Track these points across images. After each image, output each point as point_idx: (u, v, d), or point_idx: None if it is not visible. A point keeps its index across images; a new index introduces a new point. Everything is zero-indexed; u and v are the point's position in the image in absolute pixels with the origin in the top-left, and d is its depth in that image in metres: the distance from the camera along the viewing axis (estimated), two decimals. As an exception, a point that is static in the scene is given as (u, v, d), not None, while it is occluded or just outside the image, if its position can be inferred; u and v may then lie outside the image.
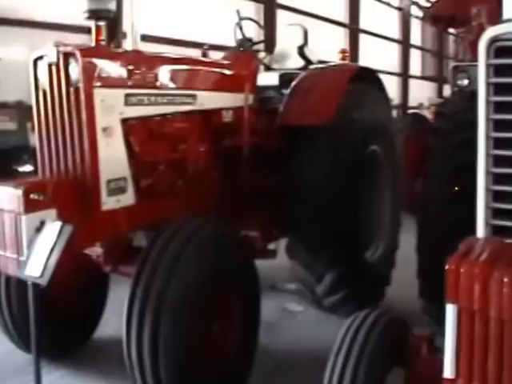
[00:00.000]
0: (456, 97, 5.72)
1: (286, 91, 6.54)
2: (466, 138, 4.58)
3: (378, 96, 7.12)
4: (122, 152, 4.96)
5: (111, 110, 4.82)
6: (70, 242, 4.17)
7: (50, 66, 4.68)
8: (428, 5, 24.30)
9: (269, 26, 17.20)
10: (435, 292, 4.02)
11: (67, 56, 4.60)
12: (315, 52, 7.80)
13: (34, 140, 5.12)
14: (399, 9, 30.80)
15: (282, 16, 19.41)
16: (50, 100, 4.75)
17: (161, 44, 13.49)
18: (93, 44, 5.04)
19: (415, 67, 31.01)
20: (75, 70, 4.57)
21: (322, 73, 6.94)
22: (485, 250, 2.63)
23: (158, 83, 5.34)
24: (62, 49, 4.62)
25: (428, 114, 18.22)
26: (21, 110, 10.03)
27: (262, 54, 7.52)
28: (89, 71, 4.61)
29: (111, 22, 5.20)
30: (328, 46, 14.45)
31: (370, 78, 7.11)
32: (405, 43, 31.20)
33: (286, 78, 6.95)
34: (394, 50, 30.47)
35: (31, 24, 12.22)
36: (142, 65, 5.17)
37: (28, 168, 9.37)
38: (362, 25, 26.49)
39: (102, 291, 5.94)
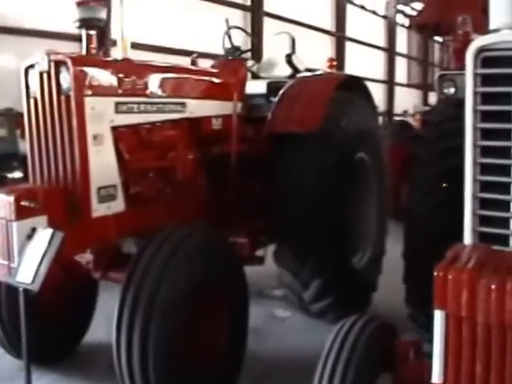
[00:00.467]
0: (442, 105, 5.75)
1: (274, 99, 6.58)
2: (452, 145, 4.63)
3: (364, 104, 7.17)
4: (112, 159, 4.99)
5: (101, 117, 4.86)
6: (61, 249, 4.20)
7: (41, 74, 4.72)
8: (413, 13, 24.47)
9: (256, 34, 17.26)
10: (421, 298, 4.08)
11: (58, 64, 4.64)
12: (303, 60, 7.85)
13: (23, 147, 5.14)
14: (385, 17, 31.00)
15: (268, 24, 19.48)
16: (41, 108, 4.79)
17: (150, 52, 13.54)
18: (84, 52, 5.07)
19: (401, 75, 31.20)
20: (66, 79, 4.61)
21: (310, 81, 7.01)
22: (472, 256, 2.67)
23: (147, 91, 5.38)
24: (53, 57, 4.66)
25: (413, 121, 18.26)
26: (10, 117, 10.04)
27: (250, 63, 7.55)
28: (80, 79, 4.64)
29: (100, 30, 5.23)
30: (314, 54, 14.54)
31: (356, 86, 7.17)
32: (390, 51, 31.40)
33: (273, 86, 6.99)
34: (380, 57, 30.63)
35: (20, 32, 12.22)
36: (132, 73, 5.21)
37: (17, 175, 9.36)
38: (349, 33, 26.65)
39: (91, 297, 5.95)
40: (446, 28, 16.24)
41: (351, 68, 22.25)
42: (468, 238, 3.08)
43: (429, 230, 4.88)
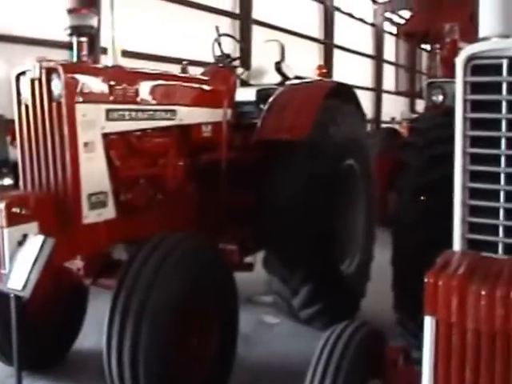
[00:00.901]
0: (430, 112, 5.78)
1: (264, 107, 6.60)
2: (440, 153, 4.66)
3: (353, 111, 7.21)
4: (103, 166, 5.01)
5: (93, 125, 4.88)
6: (51, 255, 4.21)
7: (32, 81, 4.73)
8: (401, 21, 24.56)
9: (245, 42, 17.29)
10: (410, 304, 4.11)
11: (50, 71, 4.66)
12: (292, 68, 7.88)
13: (13, 153, 5.14)
14: (373, 25, 31.08)
15: (257, 32, 19.51)
16: (32, 115, 4.80)
17: (141, 60, 13.53)
18: (75, 60, 5.08)
19: (389, 82, 31.25)
20: (57, 86, 4.62)
21: (299, 89, 7.03)
22: (462, 263, 2.69)
23: (138, 99, 5.40)
24: (44, 64, 4.67)
25: (400, 128, 18.30)
26: (0, 124, 9.97)
27: (239, 70, 7.58)
28: (71, 87, 4.66)
29: (90, 37, 5.25)
30: (302, 62, 14.56)
31: (346, 93, 7.20)
32: (378, 58, 31.48)
33: (263, 94, 7.03)
34: (368, 65, 30.72)
35: (9, 39, 12.19)
36: (123, 80, 5.23)
37: (8, 182, 9.34)
38: (337, 40, 26.70)
39: (81, 304, 5.94)
40: (433, 36, 16.30)
41: (339, 75, 22.26)
42: (457, 244, 3.10)
43: (417, 236, 4.91)
